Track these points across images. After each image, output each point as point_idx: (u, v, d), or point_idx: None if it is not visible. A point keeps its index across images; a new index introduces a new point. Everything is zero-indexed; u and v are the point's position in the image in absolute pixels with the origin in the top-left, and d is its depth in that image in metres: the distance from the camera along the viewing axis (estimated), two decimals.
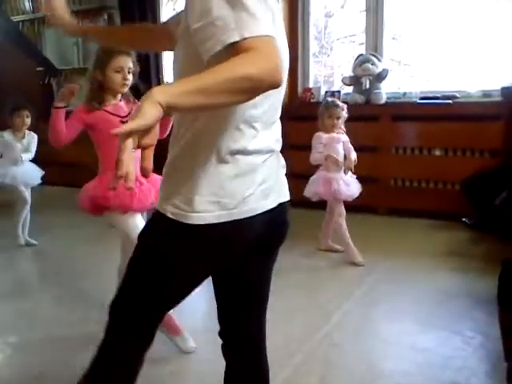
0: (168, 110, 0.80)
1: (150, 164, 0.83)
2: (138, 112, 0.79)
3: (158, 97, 0.79)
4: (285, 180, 1.13)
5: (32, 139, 3.61)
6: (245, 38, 0.83)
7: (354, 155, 3.12)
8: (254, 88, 0.85)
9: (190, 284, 1.08)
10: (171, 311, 2.13)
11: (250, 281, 1.14)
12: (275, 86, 0.85)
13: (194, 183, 0.97)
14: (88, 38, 1.51)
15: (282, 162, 1.13)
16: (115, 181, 0.79)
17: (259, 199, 1.02)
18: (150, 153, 0.83)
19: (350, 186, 3.16)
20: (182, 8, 0.99)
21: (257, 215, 1.01)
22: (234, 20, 0.84)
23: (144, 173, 0.83)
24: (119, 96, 2.17)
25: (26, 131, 3.60)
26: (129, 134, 0.78)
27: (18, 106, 3.55)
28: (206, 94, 0.82)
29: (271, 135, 1.05)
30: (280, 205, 1.08)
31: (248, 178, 1.00)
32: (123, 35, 1.43)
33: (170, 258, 1.01)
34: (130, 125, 0.77)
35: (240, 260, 1.08)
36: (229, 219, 0.98)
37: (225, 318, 1.19)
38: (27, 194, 3.62)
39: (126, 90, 2.14)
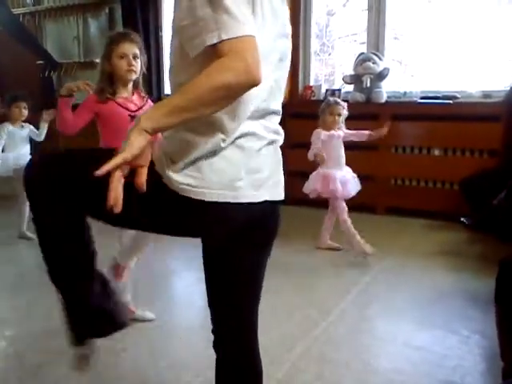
0: (154, 133, 0.89)
1: (143, 179, 0.90)
2: (124, 144, 0.87)
3: (143, 124, 0.87)
4: (281, 178, 1.13)
5: (33, 130, 3.64)
6: (223, 40, 0.87)
7: (366, 132, 3.26)
8: (234, 92, 0.89)
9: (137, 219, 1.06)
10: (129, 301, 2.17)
11: (241, 277, 1.14)
12: (254, 84, 0.89)
13: (186, 156, 0.98)
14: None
15: (280, 158, 1.13)
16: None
17: (249, 188, 1.02)
18: (144, 170, 0.91)
19: (347, 184, 3.17)
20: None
21: (243, 203, 1.01)
22: (214, 21, 0.88)
23: (138, 187, 0.90)
24: (130, 86, 2.15)
25: (22, 123, 3.62)
26: (116, 168, 0.86)
27: (17, 97, 3.60)
28: (187, 110, 0.88)
29: (267, 124, 1.06)
30: (272, 203, 1.08)
31: (240, 163, 1.00)
32: None
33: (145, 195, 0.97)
34: (115, 160, 0.86)
35: (221, 247, 1.08)
36: (212, 199, 0.98)
37: (217, 315, 1.19)
38: None
39: (133, 76, 2.11)
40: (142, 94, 2.21)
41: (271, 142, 1.08)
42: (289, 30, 1.09)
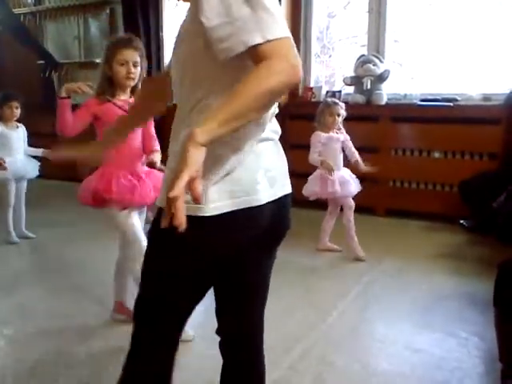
0: (209, 145, 0.84)
1: (198, 192, 0.83)
2: (183, 160, 0.81)
3: (199, 139, 0.82)
4: (287, 170, 1.12)
5: (25, 132, 3.56)
6: (268, 41, 0.84)
7: (357, 156, 3.20)
8: (279, 95, 0.88)
9: (206, 279, 1.06)
10: None
11: (250, 279, 1.13)
12: (296, 85, 0.89)
13: (204, 174, 0.92)
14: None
15: (282, 151, 1.12)
16: (165, 220, 0.83)
17: (266, 188, 1.02)
18: (199, 181, 0.83)
19: (346, 184, 3.17)
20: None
21: (265, 204, 1.01)
22: (254, 20, 0.85)
23: (196, 200, 0.84)
24: (128, 90, 2.17)
25: (17, 123, 3.53)
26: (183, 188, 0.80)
27: (8, 96, 3.47)
28: (238, 118, 0.85)
29: (272, 126, 1.06)
30: (284, 196, 1.08)
31: (257, 167, 1.00)
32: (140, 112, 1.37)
33: (183, 256, 0.98)
34: (182, 180, 0.80)
35: (247, 251, 1.06)
36: (240, 207, 0.97)
37: (223, 316, 1.18)
38: (23, 189, 3.58)
39: (132, 83, 2.13)
40: None
41: (273, 141, 1.08)
42: None
